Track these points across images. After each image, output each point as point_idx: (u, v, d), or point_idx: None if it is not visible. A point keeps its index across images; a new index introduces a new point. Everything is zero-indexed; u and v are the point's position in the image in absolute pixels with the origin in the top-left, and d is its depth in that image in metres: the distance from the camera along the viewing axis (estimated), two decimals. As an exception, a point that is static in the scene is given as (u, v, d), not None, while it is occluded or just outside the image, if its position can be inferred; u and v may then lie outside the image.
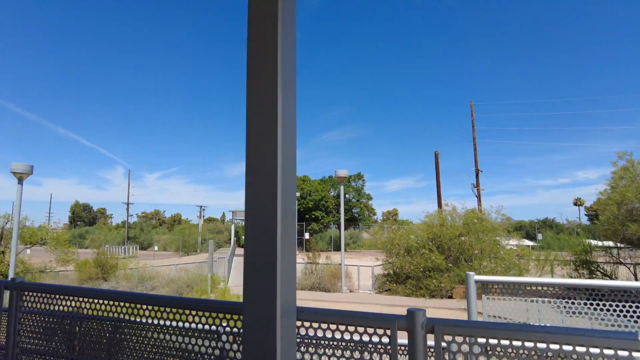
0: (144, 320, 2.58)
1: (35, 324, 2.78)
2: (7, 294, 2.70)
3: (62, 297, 2.69)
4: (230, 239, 57.47)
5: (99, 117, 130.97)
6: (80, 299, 2.67)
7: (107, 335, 2.73)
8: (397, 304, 13.57)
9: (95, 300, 2.63)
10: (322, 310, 1.84)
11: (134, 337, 2.61)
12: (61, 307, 2.70)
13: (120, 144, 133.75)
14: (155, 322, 2.50)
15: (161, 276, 19.00)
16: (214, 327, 2.33)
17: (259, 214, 1.63)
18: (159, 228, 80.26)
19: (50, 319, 2.76)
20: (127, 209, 69.22)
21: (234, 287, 16.28)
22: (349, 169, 19.65)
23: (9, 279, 2.66)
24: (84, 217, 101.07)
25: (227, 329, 2.24)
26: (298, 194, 44.35)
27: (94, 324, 2.73)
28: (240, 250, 50.79)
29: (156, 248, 55.93)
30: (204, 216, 75.23)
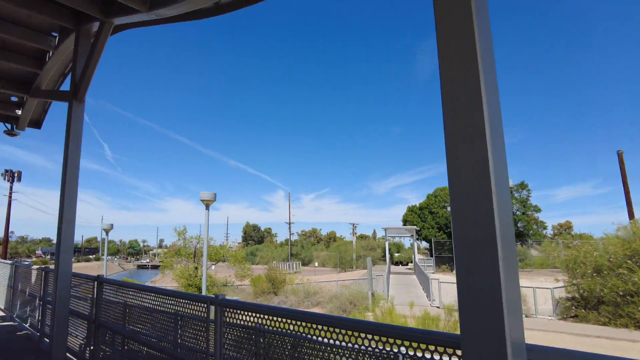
0: (319, 339, 2.54)
1: (230, 335, 2.98)
2: (212, 308, 2.96)
3: (249, 313, 2.82)
4: (383, 256, 57.48)
5: (261, 148, 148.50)
6: (264, 316, 2.76)
7: (286, 353, 2.76)
8: (592, 334, 11.36)
9: (276, 318, 2.69)
10: (560, 351, 1.44)
11: (311, 357, 2.57)
12: (248, 322, 2.84)
13: (279, 170, 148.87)
14: (331, 342, 2.44)
15: (324, 292, 19.86)
16: (392, 352, 2.15)
17: (472, 233, 1.35)
18: (317, 245, 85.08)
19: (240, 332, 2.93)
20: (289, 228, 75.47)
21: (397, 305, 15.94)
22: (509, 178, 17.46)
23: (214, 295, 2.91)
24: (254, 237, 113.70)
25: (407, 353, 2.03)
26: (449, 209, 41.90)
27: (276, 338, 2.80)
28: (395, 268, 50.24)
29: (316, 264, 59.37)
30: (356, 233, 77.20)
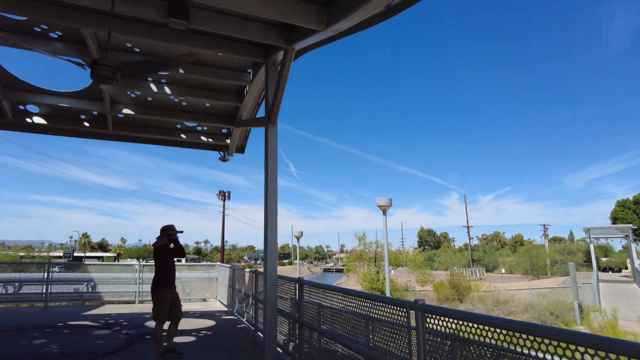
0: (525, 351, 2.22)
1: (426, 342, 2.86)
2: (411, 313, 2.91)
3: (452, 320, 2.66)
4: (585, 261, 48.99)
5: (430, 151, 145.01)
6: (463, 322, 2.56)
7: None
8: None
9: (474, 325, 2.47)
10: None
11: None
12: (446, 329, 2.68)
13: (452, 172, 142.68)
14: (540, 355, 2.11)
15: (516, 301, 17.93)
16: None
17: None
18: (502, 250, 78.11)
19: (436, 339, 2.78)
20: (468, 232, 71.17)
21: (621, 321, 13.22)
22: None
23: (413, 300, 2.86)
24: (430, 242, 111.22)
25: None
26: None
27: (474, 348, 2.56)
28: (603, 275, 42.24)
29: (503, 270, 54.35)
30: (547, 236, 67.89)
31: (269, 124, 6.09)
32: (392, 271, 31.98)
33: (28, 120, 8.49)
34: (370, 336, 3.85)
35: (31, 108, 8.42)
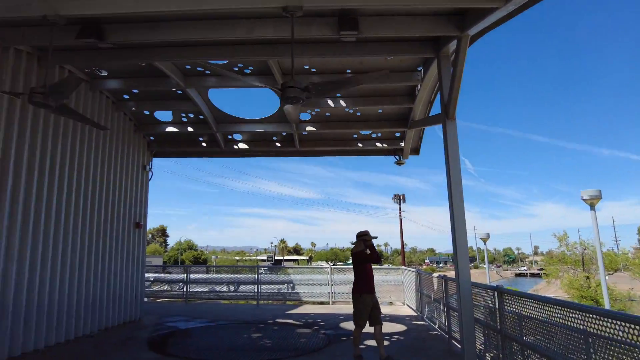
0: None
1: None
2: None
3: None
4: None
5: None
6: None
7: None
8: None
9: None
10: None
11: None
12: None
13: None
14: None
15: None
16: None
17: None
18: None
19: None
20: None
21: None
22: None
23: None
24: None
25: None
26: None
27: None
28: None
29: None
30: None
31: (446, 119, 5.74)
32: (608, 276, 26.70)
33: (235, 146, 10.10)
34: (593, 356, 3.26)
35: (236, 136, 10.00)
